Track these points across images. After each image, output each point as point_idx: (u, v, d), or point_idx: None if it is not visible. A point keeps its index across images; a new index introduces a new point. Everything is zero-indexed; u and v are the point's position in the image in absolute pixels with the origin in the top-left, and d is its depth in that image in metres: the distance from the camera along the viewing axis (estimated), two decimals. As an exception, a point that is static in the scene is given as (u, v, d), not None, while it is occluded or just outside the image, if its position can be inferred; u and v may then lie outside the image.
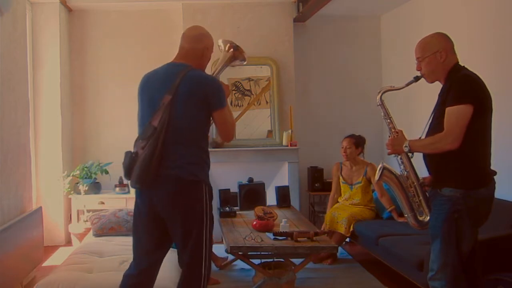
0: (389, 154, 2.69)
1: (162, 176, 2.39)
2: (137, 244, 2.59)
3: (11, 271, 3.53)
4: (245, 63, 2.86)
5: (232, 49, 2.77)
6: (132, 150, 2.46)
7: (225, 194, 4.70)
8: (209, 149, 5.68)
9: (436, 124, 2.52)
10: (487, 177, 2.50)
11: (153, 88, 2.49)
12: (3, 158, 3.64)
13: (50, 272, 3.39)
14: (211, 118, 2.51)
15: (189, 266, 2.49)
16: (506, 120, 3.71)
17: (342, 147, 4.82)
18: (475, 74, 2.52)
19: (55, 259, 4.82)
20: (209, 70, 2.73)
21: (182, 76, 2.44)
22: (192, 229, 2.45)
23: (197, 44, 2.58)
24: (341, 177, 4.90)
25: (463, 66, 2.58)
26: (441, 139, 2.42)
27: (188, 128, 2.42)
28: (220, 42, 2.83)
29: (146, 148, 2.38)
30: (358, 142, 4.82)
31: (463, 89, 2.43)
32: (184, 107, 2.41)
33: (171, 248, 3.93)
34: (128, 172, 2.44)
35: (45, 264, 4.59)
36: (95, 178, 5.46)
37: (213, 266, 4.38)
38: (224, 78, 5.70)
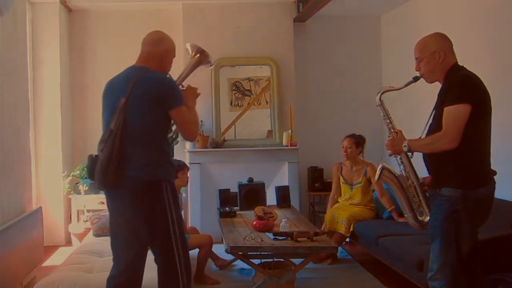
0: (390, 155, 2.69)
1: (122, 178, 2.44)
2: (112, 245, 2.66)
3: (11, 271, 3.53)
4: (211, 67, 2.98)
5: (198, 54, 2.84)
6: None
7: (225, 194, 4.70)
8: (209, 149, 5.75)
9: (436, 124, 2.52)
10: (486, 177, 2.50)
11: (113, 92, 2.56)
12: (3, 158, 3.64)
13: (50, 272, 3.39)
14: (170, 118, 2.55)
15: (162, 266, 2.56)
16: (506, 120, 3.71)
17: (343, 147, 4.82)
18: (474, 74, 2.52)
19: (55, 259, 4.82)
20: (176, 74, 2.79)
21: (136, 78, 2.50)
22: (157, 229, 2.51)
23: (156, 48, 2.62)
24: (341, 177, 4.90)
25: (462, 66, 2.58)
26: (439, 139, 2.42)
27: (144, 129, 2.47)
28: (188, 46, 2.88)
29: (104, 151, 2.45)
30: (358, 141, 4.82)
31: (461, 89, 2.43)
32: (138, 108, 2.46)
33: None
34: (90, 175, 2.55)
35: (45, 264, 4.59)
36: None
37: (213, 266, 4.39)
38: (224, 78, 5.71)
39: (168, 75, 2.68)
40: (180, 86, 2.75)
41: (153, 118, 2.47)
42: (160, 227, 2.50)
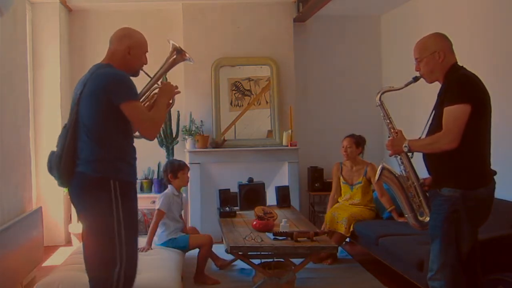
0: (390, 155, 2.68)
1: (74, 173, 2.45)
2: None
3: (11, 271, 3.52)
4: (192, 62, 2.90)
5: (175, 53, 2.77)
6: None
7: (225, 194, 4.70)
8: (209, 149, 5.74)
9: (436, 124, 2.52)
10: (486, 177, 2.50)
11: (75, 90, 2.57)
12: (3, 158, 3.64)
13: (50, 272, 3.39)
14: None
15: (98, 265, 2.46)
16: (506, 120, 3.71)
17: (343, 147, 4.82)
18: (473, 74, 2.53)
19: (55, 259, 4.82)
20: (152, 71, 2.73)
21: (91, 74, 2.50)
22: (101, 227, 2.44)
23: (119, 45, 2.58)
24: (341, 177, 4.90)
25: (462, 66, 2.58)
26: (440, 139, 2.42)
27: (93, 124, 2.44)
28: (170, 42, 2.83)
29: (58, 146, 2.49)
30: (358, 141, 4.82)
31: (461, 88, 2.43)
32: (88, 104, 2.45)
33: (171, 248, 3.97)
34: (49, 170, 2.54)
35: (45, 264, 4.59)
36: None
37: (213, 266, 4.39)
38: (224, 78, 5.71)
39: (139, 71, 2.64)
40: (157, 84, 2.71)
41: (101, 113, 2.43)
42: (103, 227, 2.43)
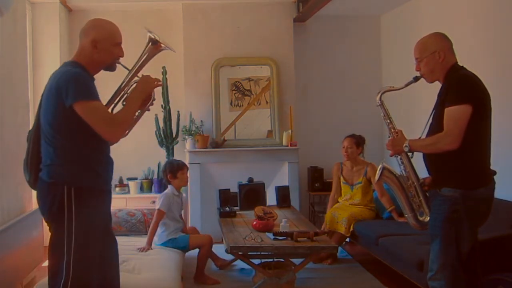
0: (391, 155, 2.68)
1: (38, 179, 2.33)
2: None
3: (11, 271, 3.52)
4: (174, 51, 2.70)
5: (150, 43, 2.54)
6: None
7: (225, 194, 4.70)
8: (209, 149, 5.73)
9: (436, 124, 2.52)
10: (486, 177, 2.51)
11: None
12: (3, 158, 3.64)
13: (50, 272, 3.38)
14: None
15: (49, 274, 2.29)
16: (506, 120, 3.71)
17: (343, 147, 4.81)
18: (473, 74, 2.53)
19: (55, 259, 4.81)
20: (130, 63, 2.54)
21: (52, 74, 2.35)
22: (53, 235, 2.28)
23: (84, 39, 2.37)
24: (342, 177, 4.90)
25: (462, 66, 2.58)
26: (441, 139, 2.42)
27: (49, 127, 2.28)
28: (147, 33, 2.60)
29: (26, 150, 2.38)
30: (359, 142, 4.82)
31: (462, 89, 2.43)
32: (44, 106, 2.31)
33: (171, 248, 3.97)
34: (25, 176, 2.42)
35: (45, 264, 4.57)
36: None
37: (213, 266, 4.39)
38: (224, 78, 5.71)
39: (115, 65, 2.45)
40: (137, 76, 2.50)
41: (56, 116, 2.25)
42: (54, 235, 2.27)
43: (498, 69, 3.93)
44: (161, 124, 5.48)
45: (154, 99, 2.52)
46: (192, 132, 5.50)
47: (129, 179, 5.58)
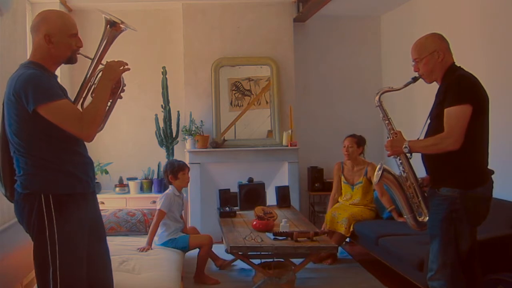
0: (389, 156, 2.68)
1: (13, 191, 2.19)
2: None
3: (11, 271, 3.52)
4: (135, 30, 2.49)
5: (108, 26, 2.37)
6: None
7: (225, 194, 4.70)
8: (209, 149, 5.72)
9: (435, 125, 2.52)
10: (484, 176, 2.51)
11: None
12: (3, 158, 3.64)
13: (50, 272, 3.38)
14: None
15: (38, 286, 2.17)
16: (504, 120, 3.71)
17: (344, 146, 4.82)
18: (471, 74, 2.53)
19: (55, 259, 4.81)
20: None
21: (10, 78, 2.17)
22: (36, 247, 2.14)
23: (36, 35, 2.22)
24: (342, 177, 4.90)
25: (459, 67, 2.59)
26: (443, 140, 2.42)
27: (16, 135, 2.11)
28: (103, 16, 2.43)
29: None
30: (359, 141, 4.82)
31: (462, 89, 2.43)
32: (7, 114, 2.14)
33: (171, 248, 3.96)
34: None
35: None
36: (95, 178, 5.45)
37: (213, 266, 4.40)
38: (224, 78, 5.71)
39: (75, 57, 2.32)
40: (101, 64, 2.36)
41: (19, 123, 2.09)
42: (36, 247, 2.13)
43: (498, 69, 3.93)
44: (161, 124, 5.48)
45: (124, 85, 2.36)
46: (192, 132, 5.50)
47: (129, 179, 5.58)
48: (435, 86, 2.63)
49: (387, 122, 2.74)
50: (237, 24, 5.74)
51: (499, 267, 3.04)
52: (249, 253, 3.72)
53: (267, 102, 5.77)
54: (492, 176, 2.53)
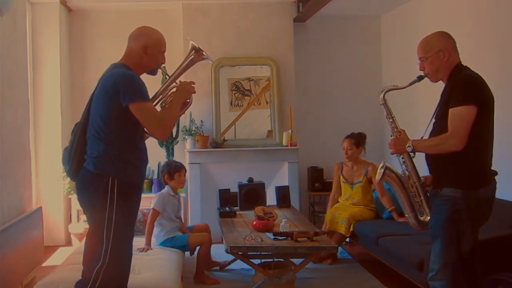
0: (392, 154, 2.67)
1: (81, 169, 2.51)
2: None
3: (11, 271, 3.52)
4: (211, 61, 2.95)
5: (193, 52, 2.78)
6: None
7: (225, 194, 4.70)
8: (209, 149, 5.73)
9: (439, 124, 2.51)
10: (487, 177, 2.50)
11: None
12: (3, 158, 3.64)
13: (50, 272, 3.39)
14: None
15: (86, 260, 2.49)
16: (507, 120, 3.71)
17: (343, 149, 4.81)
18: (477, 74, 2.51)
19: (55, 259, 4.82)
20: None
21: (104, 74, 2.55)
22: (94, 222, 2.48)
23: (134, 44, 2.59)
24: (341, 177, 4.90)
25: (466, 66, 2.57)
26: (446, 140, 2.41)
27: (100, 122, 2.46)
28: (190, 41, 2.85)
29: (69, 142, 2.59)
30: (358, 141, 4.81)
31: (467, 90, 2.42)
32: (97, 103, 2.50)
33: (171, 248, 3.96)
34: (62, 163, 2.63)
35: (45, 264, 4.59)
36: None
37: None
38: (224, 78, 5.71)
39: (158, 70, 2.68)
40: (175, 82, 2.72)
41: (108, 112, 2.45)
42: (95, 223, 2.47)
43: (500, 69, 3.93)
44: (161, 124, 5.48)
45: (190, 103, 2.74)
46: (192, 132, 5.50)
47: (129, 179, 5.57)
48: (437, 85, 2.62)
49: (391, 120, 2.72)
50: (237, 24, 5.73)
51: (499, 267, 3.04)
52: (249, 253, 3.72)
53: (267, 102, 5.77)
54: (495, 176, 2.53)
